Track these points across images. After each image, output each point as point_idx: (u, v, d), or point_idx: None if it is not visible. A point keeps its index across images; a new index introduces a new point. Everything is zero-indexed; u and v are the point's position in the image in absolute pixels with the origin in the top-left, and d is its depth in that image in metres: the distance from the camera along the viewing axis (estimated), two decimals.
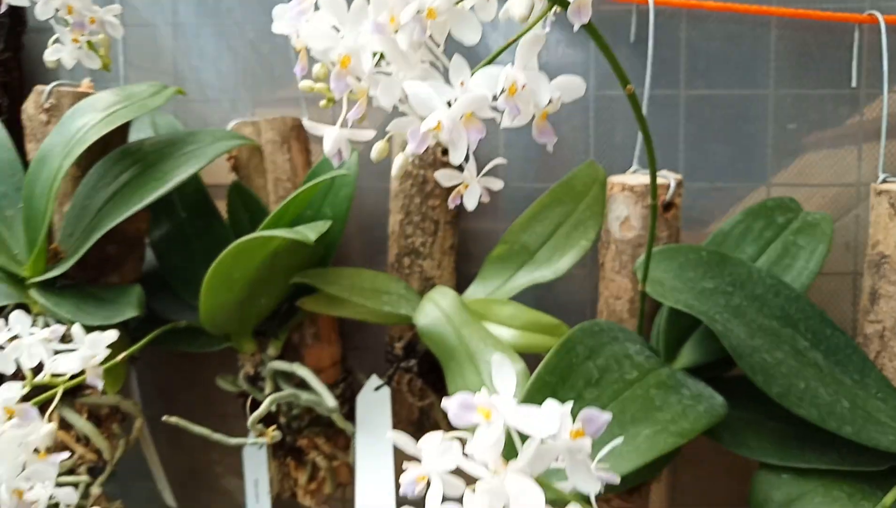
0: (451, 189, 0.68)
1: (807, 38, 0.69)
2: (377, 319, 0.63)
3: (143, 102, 0.63)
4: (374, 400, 0.66)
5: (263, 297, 0.63)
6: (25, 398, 0.47)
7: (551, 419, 0.30)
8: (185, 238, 0.70)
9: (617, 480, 0.34)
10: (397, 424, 0.68)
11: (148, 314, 0.68)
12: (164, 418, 0.55)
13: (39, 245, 0.61)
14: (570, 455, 0.32)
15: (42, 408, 0.48)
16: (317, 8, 0.37)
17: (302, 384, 0.65)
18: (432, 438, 0.33)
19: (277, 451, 0.70)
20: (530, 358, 0.55)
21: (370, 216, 0.76)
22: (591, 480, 0.32)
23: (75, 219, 0.64)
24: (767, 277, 0.59)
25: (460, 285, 0.69)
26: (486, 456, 0.30)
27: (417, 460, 0.32)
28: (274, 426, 0.61)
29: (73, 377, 0.52)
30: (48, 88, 0.66)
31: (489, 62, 0.35)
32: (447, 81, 0.35)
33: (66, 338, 0.52)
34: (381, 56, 0.37)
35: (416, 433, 0.34)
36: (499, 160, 0.45)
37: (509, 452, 0.31)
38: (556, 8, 0.35)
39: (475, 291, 0.66)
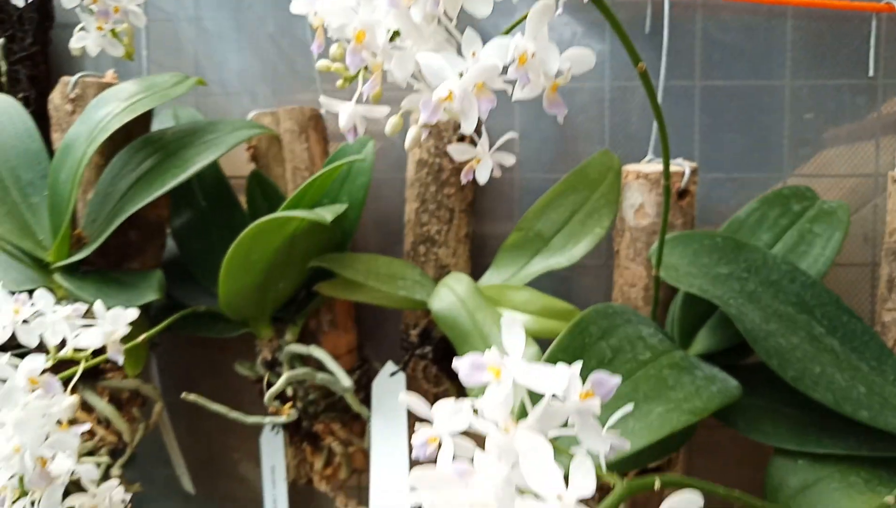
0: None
1: (823, 27, 0.69)
2: (393, 303, 0.63)
3: (164, 91, 0.65)
4: (390, 387, 0.67)
5: (281, 281, 0.64)
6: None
7: (560, 377, 0.30)
8: (205, 226, 0.71)
9: (627, 445, 0.34)
10: (411, 410, 0.69)
11: (168, 302, 0.69)
12: (184, 395, 0.56)
13: (63, 231, 0.63)
14: (580, 417, 0.32)
15: (65, 386, 0.49)
16: None
17: (319, 369, 0.66)
18: (445, 402, 0.33)
19: (294, 437, 0.70)
20: (545, 345, 0.56)
21: (386, 208, 0.76)
22: (600, 441, 0.32)
23: (98, 205, 0.66)
24: (783, 263, 0.59)
25: (475, 275, 0.70)
26: (496, 414, 0.30)
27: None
28: (290, 404, 0.62)
29: (95, 355, 0.53)
30: (74, 78, 0.68)
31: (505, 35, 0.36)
32: (460, 54, 0.36)
33: (88, 316, 0.53)
34: (396, 33, 0.38)
35: None
36: (511, 134, 0.46)
37: (520, 417, 0.32)
38: None
39: (490, 278, 0.67)
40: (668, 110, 0.71)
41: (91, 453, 0.65)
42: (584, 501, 0.28)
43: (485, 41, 0.36)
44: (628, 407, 0.35)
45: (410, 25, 0.36)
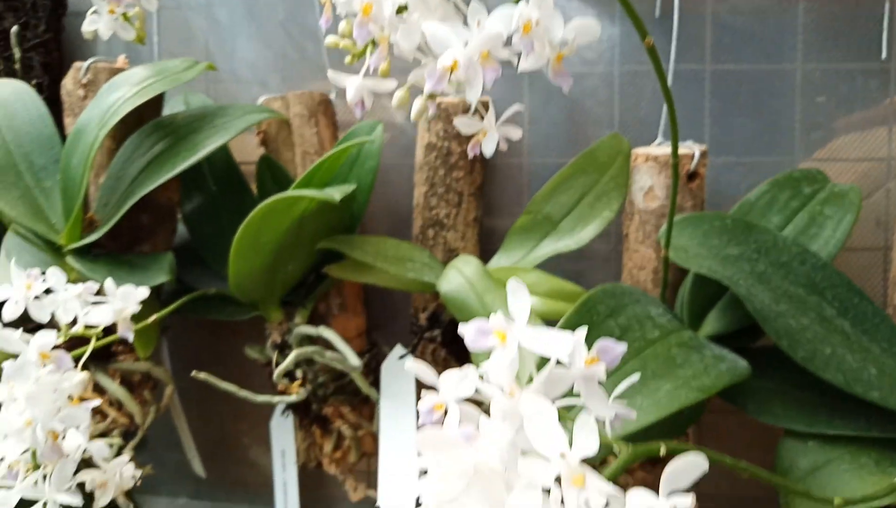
0: (475, 161, 0.69)
1: (835, 10, 0.69)
2: (401, 285, 0.63)
3: (175, 75, 0.65)
4: (399, 369, 0.67)
5: (291, 263, 0.64)
6: None
7: (566, 342, 0.30)
8: (215, 210, 0.72)
9: (633, 415, 0.34)
10: (421, 393, 0.69)
11: (179, 286, 0.70)
12: (194, 373, 0.56)
13: (75, 214, 0.63)
14: (585, 383, 0.32)
15: (76, 364, 0.50)
16: None
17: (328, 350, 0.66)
18: (451, 372, 0.33)
19: (303, 420, 0.71)
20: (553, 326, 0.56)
21: (395, 194, 0.77)
22: (606, 407, 0.32)
23: (110, 189, 0.66)
24: (793, 245, 0.59)
25: (484, 258, 0.70)
26: (501, 378, 0.30)
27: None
28: (299, 382, 0.62)
29: (106, 334, 0.54)
30: (86, 63, 0.68)
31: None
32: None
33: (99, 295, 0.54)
34: (403, 8, 0.38)
35: None
36: (517, 107, 0.46)
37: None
38: None
39: (499, 260, 0.67)
40: (679, 94, 0.71)
41: (103, 434, 0.66)
42: (588, 464, 0.28)
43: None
44: (635, 377, 0.35)
45: None
